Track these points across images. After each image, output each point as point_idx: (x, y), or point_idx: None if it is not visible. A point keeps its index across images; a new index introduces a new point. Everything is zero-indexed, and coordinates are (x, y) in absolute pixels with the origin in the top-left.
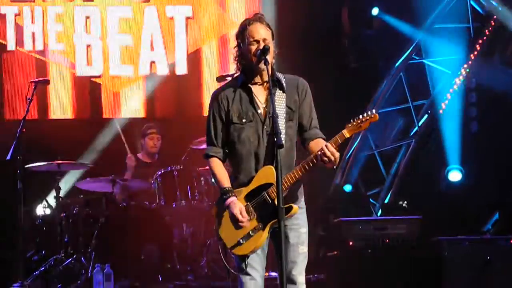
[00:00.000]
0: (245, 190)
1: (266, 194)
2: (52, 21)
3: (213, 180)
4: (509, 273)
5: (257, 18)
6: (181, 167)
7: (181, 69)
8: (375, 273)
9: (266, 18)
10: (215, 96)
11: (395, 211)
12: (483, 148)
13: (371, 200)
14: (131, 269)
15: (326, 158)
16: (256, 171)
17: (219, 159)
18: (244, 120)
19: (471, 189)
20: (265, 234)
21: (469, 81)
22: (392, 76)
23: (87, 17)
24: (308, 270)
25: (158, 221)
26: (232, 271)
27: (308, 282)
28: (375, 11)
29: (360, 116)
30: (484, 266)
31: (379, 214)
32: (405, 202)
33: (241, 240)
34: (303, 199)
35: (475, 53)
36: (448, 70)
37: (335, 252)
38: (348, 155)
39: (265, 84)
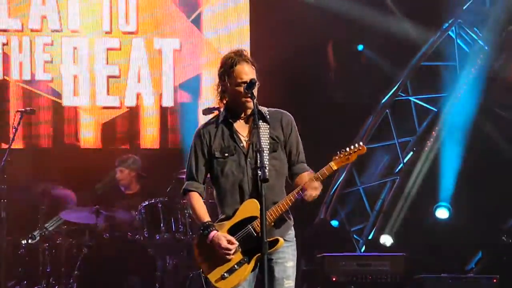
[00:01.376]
0: (228, 224)
1: (251, 227)
2: (39, 51)
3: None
4: None
5: (243, 57)
6: (166, 199)
7: (168, 101)
8: None
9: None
10: (198, 132)
11: (379, 248)
12: (470, 186)
13: (355, 236)
14: None
15: (307, 193)
16: (237, 204)
17: (200, 194)
18: (226, 154)
19: (457, 227)
20: (250, 268)
21: None
22: (378, 112)
23: (75, 48)
24: None
25: (141, 253)
26: None
27: None
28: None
29: (347, 149)
30: None
31: (362, 250)
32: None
33: (225, 274)
34: (291, 232)
35: (462, 91)
36: (434, 108)
37: (318, 287)
38: (333, 190)
39: (248, 118)
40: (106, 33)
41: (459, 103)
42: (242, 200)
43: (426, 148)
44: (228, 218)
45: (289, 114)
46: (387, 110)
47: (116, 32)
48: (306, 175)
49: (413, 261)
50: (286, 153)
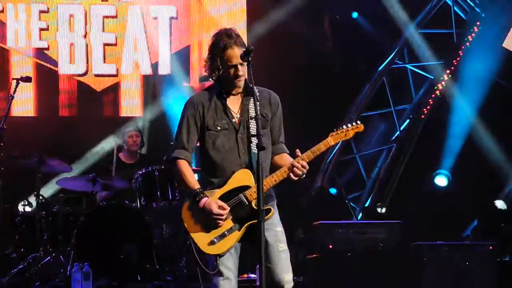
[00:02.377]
0: (219, 192)
1: (242, 195)
2: (35, 18)
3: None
4: (487, 279)
5: (234, 40)
6: (162, 166)
7: (165, 69)
8: (354, 277)
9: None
10: (191, 101)
11: (375, 215)
12: (469, 154)
13: (351, 203)
14: (110, 269)
15: (298, 171)
16: (227, 175)
17: (188, 163)
18: (219, 128)
19: (453, 195)
20: (239, 235)
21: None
22: (375, 80)
23: (71, 15)
24: None
25: (138, 221)
26: (208, 271)
27: None
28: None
29: (345, 126)
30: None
31: (359, 217)
32: (382, 207)
33: (215, 240)
34: (275, 201)
35: (458, 58)
36: (431, 75)
37: (315, 255)
38: (330, 158)
39: (240, 94)
40: (102, 0)
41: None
42: (232, 173)
43: (423, 116)
44: (218, 187)
45: (276, 95)
46: (384, 78)
47: None
48: (286, 156)
49: (409, 229)
50: (270, 130)
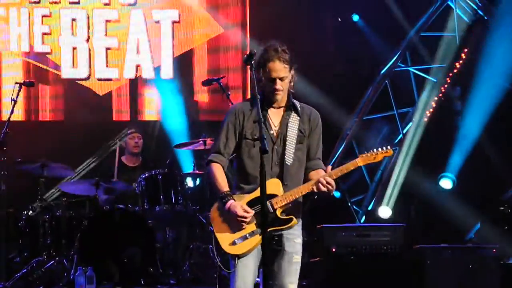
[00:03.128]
0: (248, 197)
1: (269, 203)
2: (38, 23)
3: (210, 184)
4: (491, 282)
5: (278, 54)
6: (166, 170)
7: (167, 73)
8: (357, 281)
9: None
10: (233, 109)
11: (379, 218)
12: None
13: (354, 207)
14: (114, 273)
15: (322, 188)
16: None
17: (222, 167)
18: (255, 137)
19: (458, 198)
20: (260, 239)
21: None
22: (378, 83)
23: (73, 20)
24: None
25: (141, 224)
26: (227, 270)
27: None
28: (355, 17)
29: (375, 150)
30: (466, 275)
31: (362, 221)
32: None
33: (236, 241)
34: (300, 213)
35: (461, 61)
36: (433, 78)
37: (318, 259)
38: (332, 162)
39: (282, 108)
40: (105, 4)
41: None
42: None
43: (425, 119)
44: (247, 193)
45: (318, 113)
46: (386, 81)
47: (115, 3)
48: (322, 172)
49: (412, 232)
50: (307, 147)
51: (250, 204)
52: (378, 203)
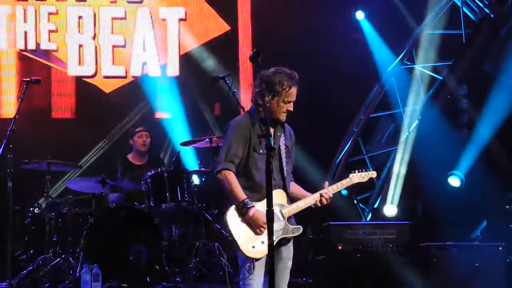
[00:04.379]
0: (259, 204)
1: (279, 211)
2: (44, 20)
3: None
4: (497, 280)
5: (296, 81)
6: (172, 168)
7: (173, 70)
8: (363, 278)
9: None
10: (241, 123)
11: (385, 216)
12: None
13: (360, 204)
14: (120, 270)
15: (325, 201)
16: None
17: (235, 174)
18: (261, 151)
19: (464, 196)
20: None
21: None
22: (384, 81)
23: (80, 17)
24: (297, 274)
25: (147, 222)
26: (247, 272)
27: (296, 285)
28: (360, 15)
29: (364, 170)
30: (472, 273)
31: (368, 219)
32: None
33: (255, 245)
34: None
35: (467, 59)
36: (440, 76)
37: (324, 256)
38: (339, 159)
39: (277, 126)
40: (111, 2)
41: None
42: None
43: (430, 117)
44: (256, 201)
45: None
46: (393, 79)
47: (121, 1)
48: (294, 184)
49: (418, 230)
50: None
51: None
52: (384, 201)
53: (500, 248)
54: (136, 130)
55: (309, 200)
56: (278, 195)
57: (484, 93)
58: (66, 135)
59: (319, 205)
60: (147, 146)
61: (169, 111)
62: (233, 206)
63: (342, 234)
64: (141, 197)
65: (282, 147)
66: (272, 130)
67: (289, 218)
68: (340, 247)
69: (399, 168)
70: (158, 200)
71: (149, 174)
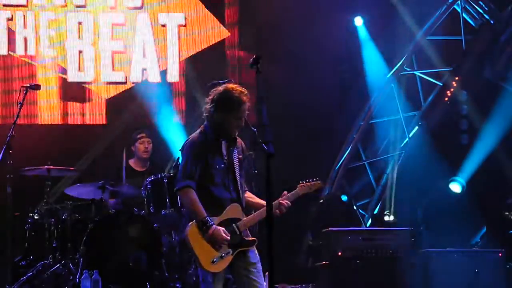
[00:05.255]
0: (217, 220)
1: (235, 226)
2: (44, 26)
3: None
4: (497, 286)
5: (247, 97)
6: (171, 174)
7: (173, 76)
8: (363, 284)
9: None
10: (197, 142)
11: (384, 222)
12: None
13: (360, 210)
14: (119, 276)
15: (284, 210)
16: (223, 208)
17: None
18: (217, 167)
19: (464, 202)
20: (231, 257)
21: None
22: (384, 87)
23: (80, 23)
24: (297, 279)
25: (147, 228)
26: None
27: None
28: (358, 21)
29: (311, 180)
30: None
31: (368, 225)
32: (390, 214)
33: (215, 260)
34: None
35: (467, 65)
36: (440, 82)
37: (324, 262)
38: (338, 165)
39: (223, 141)
40: (111, 8)
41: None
42: (225, 205)
43: (432, 123)
44: (214, 216)
45: None
46: (392, 85)
47: (121, 7)
48: (249, 193)
49: (418, 235)
50: None
51: (219, 225)
52: (383, 207)
53: (500, 254)
54: (138, 136)
55: (264, 211)
56: (234, 209)
57: (485, 99)
58: (64, 141)
59: (278, 213)
60: (149, 153)
61: (169, 117)
62: (193, 223)
63: (342, 240)
64: (140, 203)
65: (236, 161)
66: (224, 145)
67: (244, 231)
68: (340, 253)
69: (398, 174)
70: (158, 206)
71: (149, 180)
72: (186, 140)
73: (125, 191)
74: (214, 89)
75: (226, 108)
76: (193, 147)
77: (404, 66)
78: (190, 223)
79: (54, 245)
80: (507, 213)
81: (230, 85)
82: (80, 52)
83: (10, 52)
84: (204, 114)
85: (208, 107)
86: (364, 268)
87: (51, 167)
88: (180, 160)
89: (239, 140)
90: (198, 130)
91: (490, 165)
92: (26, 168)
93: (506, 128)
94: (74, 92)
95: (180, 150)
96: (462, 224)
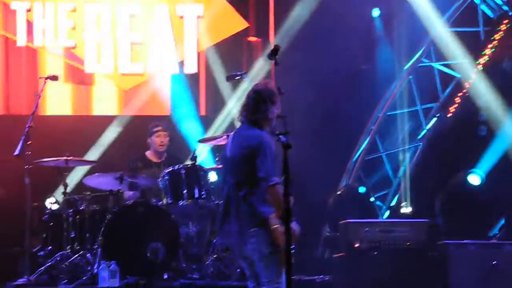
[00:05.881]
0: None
1: None
2: (63, 17)
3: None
4: None
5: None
6: (189, 165)
7: (191, 67)
8: (380, 276)
9: None
10: (271, 140)
11: (402, 214)
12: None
13: (378, 202)
14: (137, 267)
15: None
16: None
17: None
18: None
19: (483, 193)
20: None
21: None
22: (401, 78)
23: (98, 14)
24: (314, 271)
25: (164, 219)
26: None
27: (313, 283)
28: (375, 12)
29: None
30: (490, 271)
31: (385, 216)
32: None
33: None
34: None
35: (485, 57)
36: (458, 73)
37: (341, 254)
38: (356, 157)
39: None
40: None
41: None
42: None
43: (449, 115)
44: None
45: None
46: (410, 76)
47: None
48: None
49: (436, 227)
50: None
51: None
52: (401, 199)
53: None
54: (155, 130)
55: None
56: None
57: (505, 90)
58: (83, 132)
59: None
60: (165, 146)
61: (186, 108)
62: (275, 215)
63: (359, 232)
64: (158, 194)
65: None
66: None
67: None
68: (357, 245)
69: (416, 166)
70: (175, 197)
71: (167, 171)
72: (262, 136)
73: (143, 183)
74: (251, 90)
75: (273, 100)
76: (271, 144)
77: (422, 57)
78: (273, 214)
79: (72, 235)
80: None
81: (260, 82)
82: (98, 43)
83: (28, 43)
84: (255, 116)
85: (260, 105)
86: (381, 260)
87: (70, 158)
88: (246, 156)
89: None
90: (264, 131)
91: (510, 157)
92: (44, 160)
93: None
94: (89, 82)
95: (252, 146)
96: (480, 216)
